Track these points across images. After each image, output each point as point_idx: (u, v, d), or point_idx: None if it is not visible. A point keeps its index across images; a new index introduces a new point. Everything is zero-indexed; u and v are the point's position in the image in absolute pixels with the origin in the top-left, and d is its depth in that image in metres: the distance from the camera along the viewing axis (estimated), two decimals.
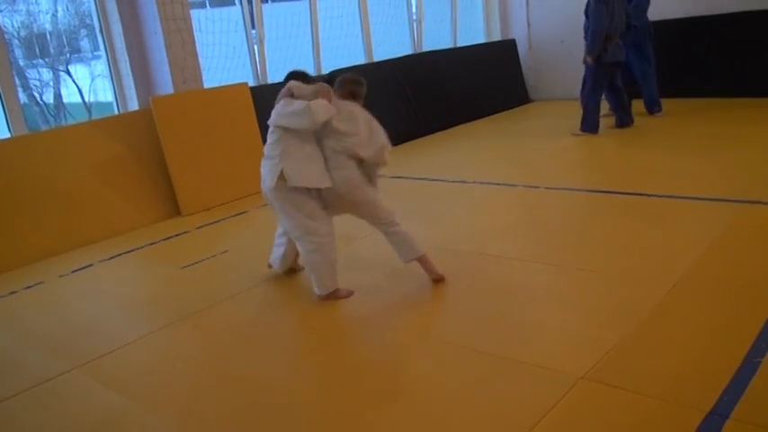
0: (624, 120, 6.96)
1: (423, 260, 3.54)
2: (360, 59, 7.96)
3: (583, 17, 6.84)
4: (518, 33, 9.61)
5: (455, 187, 5.50)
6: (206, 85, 6.12)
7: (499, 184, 5.39)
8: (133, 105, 5.99)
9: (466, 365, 2.68)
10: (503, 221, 4.47)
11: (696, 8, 7.72)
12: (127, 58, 5.90)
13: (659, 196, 4.52)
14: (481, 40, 9.66)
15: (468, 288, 3.45)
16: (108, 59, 6.00)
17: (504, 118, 8.65)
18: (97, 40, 6.10)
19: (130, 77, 5.95)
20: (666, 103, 7.34)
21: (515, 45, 9.59)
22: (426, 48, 8.80)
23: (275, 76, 7.01)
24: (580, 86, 7.06)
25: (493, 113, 8.91)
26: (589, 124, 6.85)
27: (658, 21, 7.45)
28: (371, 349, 2.97)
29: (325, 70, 7.42)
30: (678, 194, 4.50)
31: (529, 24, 9.44)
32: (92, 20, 6.06)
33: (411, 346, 2.92)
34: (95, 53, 6.61)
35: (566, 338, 2.81)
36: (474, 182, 5.55)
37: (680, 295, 3.05)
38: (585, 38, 6.72)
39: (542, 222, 4.39)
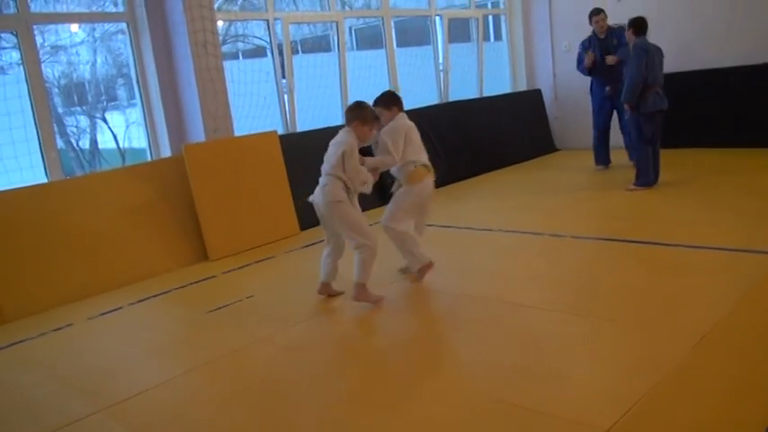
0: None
1: (359, 288, 3.96)
2: None
3: None
4: (544, 83, 9.72)
5: (481, 235, 5.50)
6: (236, 134, 6.26)
7: (525, 233, 5.39)
8: (166, 152, 6.15)
9: (491, 417, 2.64)
10: (527, 270, 4.45)
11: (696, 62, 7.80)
12: (161, 107, 6.08)
13: (687, 246, 4.47)
14: (507, 90, 9.77)
15: (491, 337, 3.42)
16: (143, 108, 6.20)
17: (530, 167, 8.67)
18: (133, 89, 6.31)
19: (164, 125, 6.13)
20: (676, 155, 7.40)
21: (541, 95, 9.69)
22: (453, 98, 8.93)
23: (304, 125, 7.16)
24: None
25: (519, 162, 8.94)
26: (643, 179, 6.55)
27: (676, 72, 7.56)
28: (396, 394, 2.94)
29: None
30: (701, 245, 4.44)
31: (554, 75, 9.55)
32: (129, 69, 6.29)
33: (437, 397, 2.89)
34: (131, 101, 6.83)
35: (591, 390, 2.76)
36: (500, 230, 5.55)
37: (708, 348, 2.98)
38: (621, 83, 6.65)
39: (567, 271, 4.36)
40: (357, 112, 4.00)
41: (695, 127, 8.00)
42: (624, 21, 6.72)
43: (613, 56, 7.29)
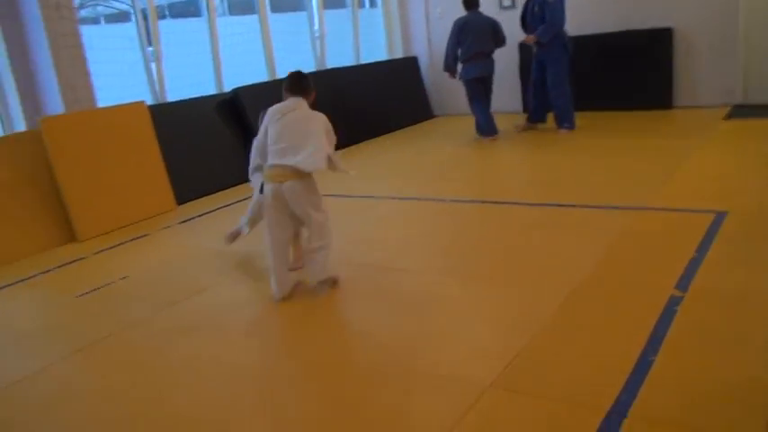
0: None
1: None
2: (263, 77, 7.87)
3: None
4: (419, 50, 9.84)
5: (361, 203, 5.53)
6: (100, 105, 5.87)
7: (404, 199, 5.47)
8: (20, 126, 5.65)
9: (374, 380, 2.68)
10: (407, 235, 4.53)
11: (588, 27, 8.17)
12: (11, 77, 5.56)
13: (555, 205, 4.72)
14: (384, 57, 9.80)
15: (373, 303, 3.45)
16: None
17: (409, 133, 8.80)
18: None
19: (15, 97, 5.61)
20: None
21: (417, 62, 9.81)
22: (329, 65, 8.83)
23: (175, 94, 6.82)
24: None
25: (397, 129, 9.05)
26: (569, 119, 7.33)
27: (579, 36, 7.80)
28: (280, 370, 2.91)
29: (227, 87, 7.29)
30: (574, 203, 4.71)
31: (430, 41, 9.68)
32: None
33: (317, 364, 2.89)
34: None
35: (473, 348, 2.87)
36: (379, 197, 5.60)
37: (577, 301, 3.18)
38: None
39: (447, 235, 4.48)
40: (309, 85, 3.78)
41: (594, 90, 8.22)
42: None
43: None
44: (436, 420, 2.35)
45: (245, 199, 5.49)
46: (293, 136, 3.51)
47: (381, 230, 4.76)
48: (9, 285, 4.43)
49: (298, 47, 8.66)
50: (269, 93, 7.47)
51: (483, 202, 5.15)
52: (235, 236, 4.28)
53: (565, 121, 7.30)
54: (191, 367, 3.03)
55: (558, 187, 5.24)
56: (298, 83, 3.77)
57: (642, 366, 2.51)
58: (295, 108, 3.65)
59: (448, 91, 9.48)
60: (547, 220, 4.48)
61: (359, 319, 3.37)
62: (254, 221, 4.07)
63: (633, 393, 2.34)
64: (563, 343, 2.80)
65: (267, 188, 3.50)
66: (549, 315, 3.04)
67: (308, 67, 8.58)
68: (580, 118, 7.49)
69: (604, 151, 6.27)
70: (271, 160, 3.50)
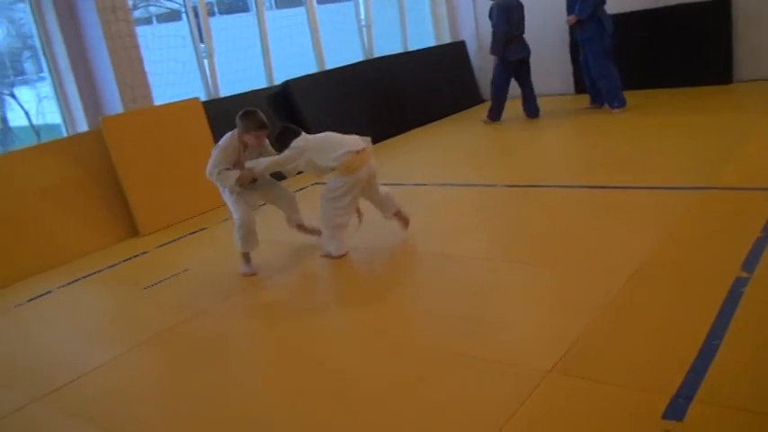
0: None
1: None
2: (311, 68, 7.95)
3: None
4: (467, 34, 9.74)
5: (414, 191, 5.54)
6: (156, 103, 6.03)
7: (458, 185, 5.45)
8: (82, 126, 5.86)
9: (435, 367, 2.70)
10: (463, 221, 4.52)
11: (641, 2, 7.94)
12: (72, 79, 5.77)
13: (613, 188, 4.63)
14: (431, 43, 9.75)
15: (431, 289, 3.47)
16: (53, 81, 5.87)
17: (459, 119, 8.74)
18: (41, 62, 5.96)
19: (77, 98, 5.82)
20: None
21: (465, 46, 9.71)
22: (377, 54, 8.84)
23: (227, 89, 6.95)
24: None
25: (447, 116, 8.99)
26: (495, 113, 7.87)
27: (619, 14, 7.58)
28: (345, 357, 2.96)
29: (278, 80, 7.39)
30: (633, 185, 4.61)
31: (477, 25, 9.57)
32: (34, 41, 5.93)
33: (381, 351, 2.93)
34: (40, 74, 6.46)
35: (531, 334, 2.86)
36: (433, 184, 5.60)
37: (639, 284, 3.12)
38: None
39: (501, 220, 4.45)
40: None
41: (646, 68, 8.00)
42: None
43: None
44: (497, 407, 2.35)
45: (300, 189, 5.57)
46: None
47: (436, 217, 4.76)
48: (78, 280, 4.62)
49: (345, 36, 8.70)
50: (318, 84, 7.59)
51: (538, 186, 5.09)
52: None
53: (614, 101, 7.14)
54: (258, 353, 3.11)
55: (615, 169, 5.13)
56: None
57: (708, 350, 2.45)
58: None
59: None
60: (605, 203, 4.41)
61: (419, 304, 3.39)
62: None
63: (699, 377, 2.29)
64: (625, 326, 2.76)
65: (363, 170, 3.93)
66: (610, 298, 3.00)
67: (356, 56, 8.61)
68: (635, 97, 7.30)
69: (662, 130, 6.11)
70: (346, 150, 3.89)
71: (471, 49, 9.72)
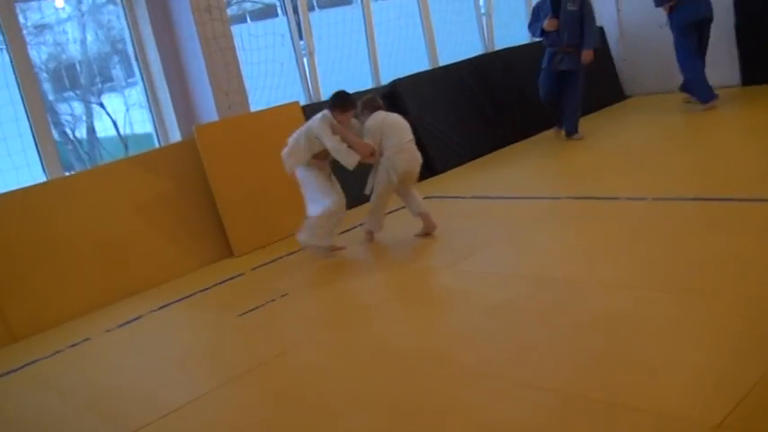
0: None
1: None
2: (423, 65, 8.01)
3: None
4: (606, 19, 9.47)
5: (544, 205, 5.45)
6: (253, 108, 6.29)
7: (597, 198, 5.32)
8: (175, 136, 6.21)
9: (575, 417, 2.64)
10: (603, 242, 4.40)
11: None
12: (165, 85, 6.12)
13: None
14: None
15: (568, 325, 3.40)
16: (145, 87, 6.24)
17: (598, 119, 8.51)
18: (131, 67, 6.37)
19: (170, 105, 6.16)
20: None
21: (604, 33, 9.47)
22: (499, 45, 8.81)
23: (329, 91, 7.12)
24: None
25: (584, 114, 8.77)
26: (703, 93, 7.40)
27: None
28: (466, 404, 2.95)
29: (385, 80, 7.49)
30: None
31: (618, 9, 9.30)
32: (124, 45, 6.35)
33: (510, 395, 2.90)
34: (129, 81, 6.90)
35: (692, 379, 2.73)
36: (567, 197, 5.49)
37: None
38: None
39: (651, 241, 4.29)
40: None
41: None
42: None
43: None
44: None
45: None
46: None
47: (562, 238, 4.67)
48: (170, 304, 4.88)
49: (461, 28, 8.71)
50: (430, 83, 7.64)
51: (695, 199, 4.87)
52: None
53: (701, 97, 7.37)
54: (357, 393, 3.16)
55: None
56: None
57: None
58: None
59: (643, 66, 9.07)
60: None
61: (542, 341, 3.32)
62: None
63: None
64: None
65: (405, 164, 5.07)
66: None
67: (475, 50, 8.61)
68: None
69: None
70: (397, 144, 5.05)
71: (611, 36, 9.46)
